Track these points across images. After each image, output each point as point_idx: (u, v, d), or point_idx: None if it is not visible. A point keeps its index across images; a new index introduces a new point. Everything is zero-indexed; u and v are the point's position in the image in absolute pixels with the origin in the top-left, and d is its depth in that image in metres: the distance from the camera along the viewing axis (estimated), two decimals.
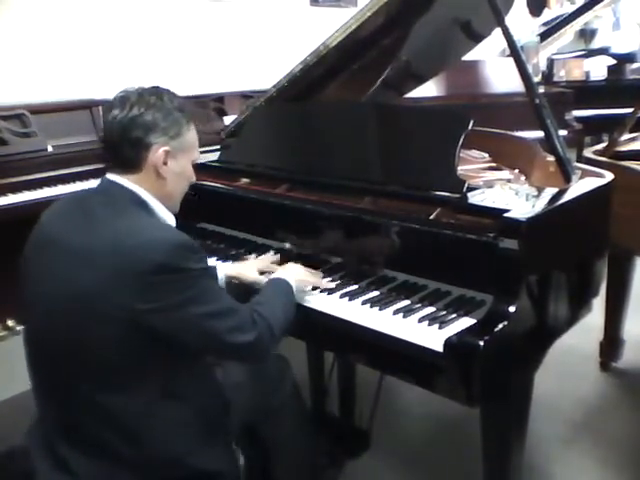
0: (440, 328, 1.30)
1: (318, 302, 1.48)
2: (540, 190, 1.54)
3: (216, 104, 3.70)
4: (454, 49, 2.23)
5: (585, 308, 1.59)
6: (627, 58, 5.21)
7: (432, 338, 1.26)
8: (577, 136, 4.03)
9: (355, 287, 1.53)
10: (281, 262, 1.64)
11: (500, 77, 3.99)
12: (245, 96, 3.71)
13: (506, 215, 1.31)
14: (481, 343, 1.19)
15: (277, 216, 1.77)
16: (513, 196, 1.53)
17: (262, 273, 1.60)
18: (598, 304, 1.74)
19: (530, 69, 1.67)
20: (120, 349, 1.17)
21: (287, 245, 1.71)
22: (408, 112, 1.83)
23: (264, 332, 1.29)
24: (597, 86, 4.97)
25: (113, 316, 1.15)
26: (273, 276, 1.50)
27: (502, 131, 2.24)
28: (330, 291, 1.51)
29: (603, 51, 5.42)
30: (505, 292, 1.28)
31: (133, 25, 3.56)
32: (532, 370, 1.45)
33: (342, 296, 1.49)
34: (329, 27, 1.89)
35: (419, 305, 1.41)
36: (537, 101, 1.60)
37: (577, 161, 2.02)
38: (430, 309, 1.39)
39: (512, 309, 1.26)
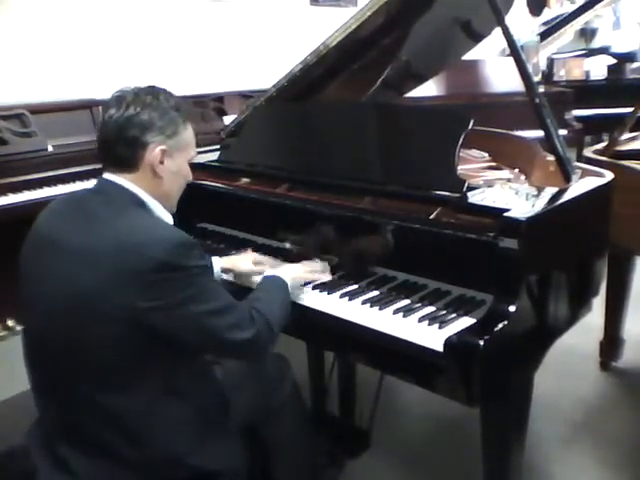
0: (440, 328, 1.30)
1: (318, 302, 1.48)
2: (540, 190, 1.53)
3: (216, 104, 3.71)
4: (454, 49, 2.23)
5: (585, 308, 1.59)
6: (627, 57, 5.21)
7: (432, 338, 1.26)
8: (577, 135, 4.03)
9: (355, 287, 1.53)
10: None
11: (500, 77, 3.99)
12: (245, 96, 3.72)
13: (506, 215, 1.31)
14: (481, 343, 1.19)
15: (277, 216, 1.77)
16: (513, 196, 1.53)
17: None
18: (598, 304, 1.74)
19: (530, 69, 1.67)
20: (120, 348, 1.17)
21: (287, 245, 1.71)
22: (408, 112, 1.83)
23: (262, 329, 1.29)
24: (597, 85, 4.97)
25: (113, 316, 1.15)
26: (267, 273, 1.50)
27: (502, 131, 2.24)
28: (330, 291, 1.51)
29: (603, 50, 5.42)
30: (505, 292, 1.28)
31: (133, 25, 3.56)
32: (532, 370, 1.45)
33: (342, 296, 1.49)
34: (329, 27, 1.89)
35: (419, 305, 1.41)
36: (537, 100, 1.60)
37: (577, 160, 2.02)
38: (430, 309, 1.39)
39: (512, 309, 1.26)
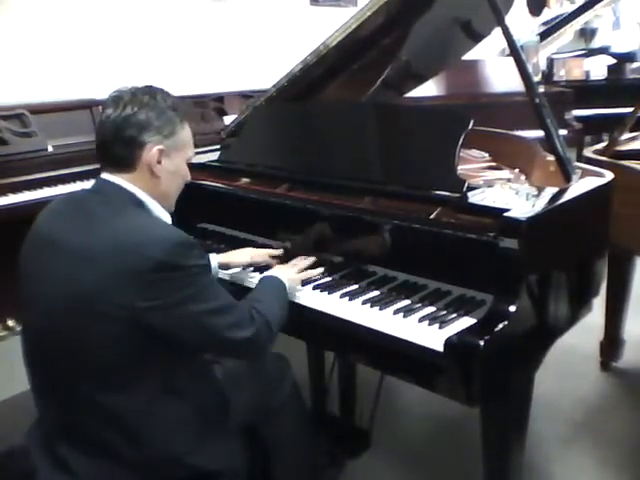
0: (440, 328, 1.30)
1: (318, 302, 1.48)
2: (540, 190, 1.53)
3: (216, 104, 3.71)
4: (454, 49, 2.23)
5: (585, 308, 1.59)
6: (627, 57, 5.21)
7: (432, 338, 1.26)
8: (577, 135, 4.03)
9: (355, 287, 1.53)
10: (282, 262, 1.64)
11: (500, 77, 3.99)
12: (245, 96, 3.72)
13: (506, 215, 1.31)
14: (481, 343, 1.19)
15: (277, 216, 1.77)
16: (513, 196, 1.53)
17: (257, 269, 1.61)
18: (598, 304, 1.74)
19: (530, 69, 1.67)
20: (120, 348, 1.17)
21: (288, 245, 1.71)
22: (408, 112, 1.83)
23: (262, 328, 1.30)
24: (597, 85, 4.97)
25: (113, 315, 1.15)
26: (265, 274, 1.51)
27: (502, 131, 2.24)
28: (330, 291, 1.51)
29: (603, 50, 5.43)
30: (505, 292, 1.28)
31: (133, 25, 3.57)
32: (532, 370, 1.44)
33: (342, 296, 1.49)
34: (329, 27, 1.89)
35: (419, 305, 1.40)
36: (537, 100, 1.60)
37: (577, 160, 2.02)
38: (430, 309, 1.39)
39: (512, 309, 1.26)
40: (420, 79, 2.33)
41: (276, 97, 2.05)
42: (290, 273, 1.51)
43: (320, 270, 1.58)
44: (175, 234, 1.21)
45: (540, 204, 1.41)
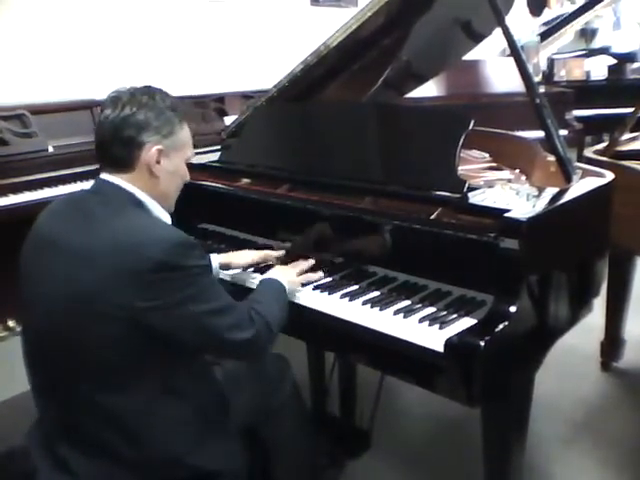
0: (441, 328, 1.30)
1: (319, 302, 1.48)
2: (541, 190, 1.53)
3: (217, 104, 3.71)
4: (454, 49, 2.23)
5: (586, 308, 1.59)
6: (627, 58, 5.21)
7: (433, 338, 1.26)
8: (577, 136, 4.04)
9: (355, 287, 1.53)
10: (282, 262, 1.64)
11: (500, 77, 3.99)
12: (245, 96, 3.72)
13: (507, 215, 1.31)
14: (482, 343, 1.19)
15: (278, 216, 1.76)
16: (514, 196, 1.53)
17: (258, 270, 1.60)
18: (599, 304, 1.74)
19: (530, 69, 1.67)
20: (119, 348, 1.17)
21: (288, 245, 1.71)
22: (409, 112, 1.83)
23: (262, 329, 1.30)
24: (597, 86, 4.97)
25: (113, 315, 1.15)
26: (265, 276, 1.51)
27: (503, 131, 2.24)
28: (331, 291, 1.51)
29: (603, 51, 5.42)
30: (506, 292, 1.28)
31: (133, 25, 3.57)
32: (533, 370, 1.44)
33: (343, 296, 1.49)
34: (329, 27, 1.89)
35: (420, 305, 1.40)
36: (537, 101, 1.60)
37: (578, 161, 2.02)
38: (431, 309, 1.38)
39: (513, 309, 1.26)
40: (420, 79, 2.33)
41: (277, 97, 2.05)
42: (290, 275, 1.51)
43: (320, 274, 1.57)
44: (175, 234, 1.21)
45: (540, 204, 1.41)
